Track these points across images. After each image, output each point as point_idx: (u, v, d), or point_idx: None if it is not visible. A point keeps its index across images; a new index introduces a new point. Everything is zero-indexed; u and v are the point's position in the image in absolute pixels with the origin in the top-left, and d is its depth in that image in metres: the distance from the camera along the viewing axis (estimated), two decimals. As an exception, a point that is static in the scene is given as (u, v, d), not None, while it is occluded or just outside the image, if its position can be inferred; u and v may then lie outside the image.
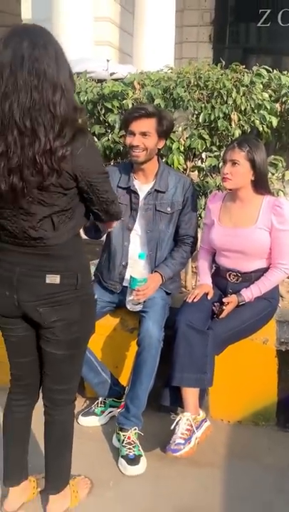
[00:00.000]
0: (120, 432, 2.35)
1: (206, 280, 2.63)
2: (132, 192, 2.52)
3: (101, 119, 3.02)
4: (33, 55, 1.48)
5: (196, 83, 2.77)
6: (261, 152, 2.37)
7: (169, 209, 2.52)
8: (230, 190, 2.47)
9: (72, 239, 1.72)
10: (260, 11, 11.44)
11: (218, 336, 2.37)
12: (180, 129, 2.82)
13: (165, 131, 2.45)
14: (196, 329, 2.31)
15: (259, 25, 11.64)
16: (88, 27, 7.74)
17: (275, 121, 2.86)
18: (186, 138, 2.87)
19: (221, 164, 2.78)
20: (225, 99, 2.73)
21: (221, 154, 2.84)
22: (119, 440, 2.36)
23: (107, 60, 3.20)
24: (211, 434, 2.42)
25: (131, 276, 2.39)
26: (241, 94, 2.76)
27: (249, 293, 2.48)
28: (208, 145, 2.88)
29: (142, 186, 2.55)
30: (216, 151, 2.92)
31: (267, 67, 2.95)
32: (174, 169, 2.75)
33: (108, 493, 2.16)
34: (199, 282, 2.68)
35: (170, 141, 2.87)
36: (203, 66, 2.89)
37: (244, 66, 3.05)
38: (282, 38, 11.52)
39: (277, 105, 3.06)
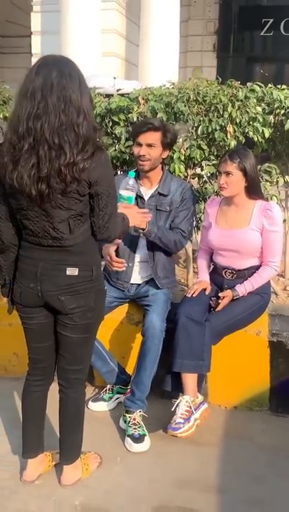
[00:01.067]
0: (126, 414, 2.60)
1: (204, 277, 2.89)
2: (138, 197, 2.73)
3: (108, 131, 3.29)
4: (61, 83, 1.79)
5: (195, 98, 3.04)
6: (250, 160, 2.63)
7: (168, 207, 2.76)
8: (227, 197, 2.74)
9: (86, 239, 2.00)
10: (263, 20, 11.73)
11: (215, 327, 2.63)
12: (180, 140, 3.09)
13: (169, 143, 2.71)
14: (194, 321, 2.57)
15: (262, 34, 11.92)
16: (95, 39, 8.04)
17: (267, 133, 3.12)
18: (186, 148, 3.13)
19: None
20: (221, 112, 3.00)
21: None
22: (125, 421, 2.61)
23: (114, 78, 3.48)
24: (209, 417, 2.68)
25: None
26: (236, 108, 3.02)
27: (243, 288, 2.73)
28: (206, 155, 3.14)
29: (147, 191, 2.80)
30: (213, 160, 3.18)
31: (259, 83, 3.20)
32: (176, 176, 3.02)
33: (116, 467, 2.42)
34: (198, 279, 2.93)
35: (172, 151, 3.13)
36: (202, 82, 3.15)
37: (246, 77, 3.32)
38: (285, 46, 11.80)
39: (271, 117, 3.32)
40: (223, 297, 2.73)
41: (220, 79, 3.27)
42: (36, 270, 1.99)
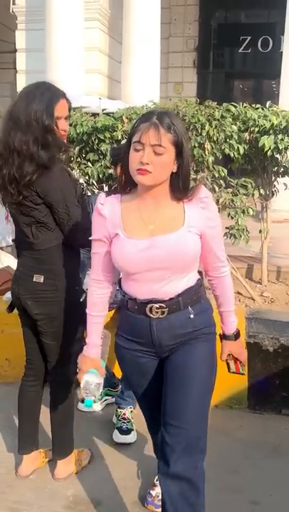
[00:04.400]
0: (118, 409, 2.80)
1: (92, 344, 1.94)
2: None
3: (95, 147, 3.51)
4: (14, 107, 2.11)
5: (175, 118, 3.27)
6: (183, 129, 1.74)
7: None
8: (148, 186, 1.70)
9: (56, 248, 2.18)
10: (241, 37, 12.16)
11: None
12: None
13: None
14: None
15: (240, 51, 12.35)
16: (79, 56, 8.28)
17: (242, 149, 3.36)
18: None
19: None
20: (199, 131, 3.24)
21: (198, 177, 3.33)
22: (117, 416, 2.81)
23: (100, 98, 3.70)
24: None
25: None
26: (213, 127, 3.26)
27: (232, 317, 1.95)
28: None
29: None
30: (193, 174, 3.40)
31: (234, 103, 3.45)
32: None
33: (106, 461, 2.59)
34: (85, 350, 1.95)
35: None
36: (182, 102, 3.39)
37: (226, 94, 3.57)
38: (262, 62, 12.23)
39: (246, 135, 3.57)
40: (235, 358, 2.00)
41: (198, 99, 3.51)
42: (17, 274, 2.26)
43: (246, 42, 12.17)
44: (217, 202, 3.34)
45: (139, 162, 1.64)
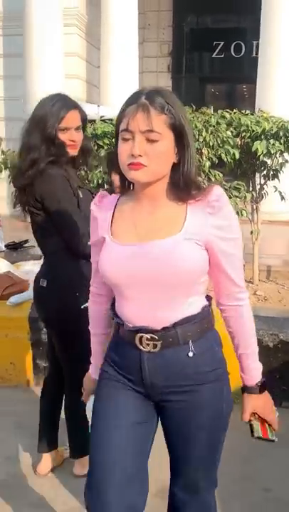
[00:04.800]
0: None
1: (94, 365, 1.69)
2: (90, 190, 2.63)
3: (94, 154, 3.59)
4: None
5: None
6: (182, 109, 1.37)
7: None
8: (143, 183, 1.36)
9: (60, 253, 2.23)
10: (215, 43, 12.40)
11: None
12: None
13: None
14: None
15: (214, 56, 12.59)
16: (59, 61, 8.35)
17: (237, 154, 3.51)
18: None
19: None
20: (197, 137, 3.36)
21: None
22: None
23: (98, 106, 3.79)
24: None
25: None
26: (209, 133, 3.40)
27: (255, 363, 1.54)
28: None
29: None
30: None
31: (229, 110, 3.60)
32: None
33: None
34: (90, 371, 1.71)
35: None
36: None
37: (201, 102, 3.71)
38: (235, 67, 12.51)
39: (238, 139, 3.72)
40: (262, 419, 1.56)
41: (194, 107, 3.64)
42: None
43: (219, 47, 12.41)
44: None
45: (129, 155, 1.29)
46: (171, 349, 1.40)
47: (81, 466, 2.51)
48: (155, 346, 1.40)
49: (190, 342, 1.40)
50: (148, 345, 1.41)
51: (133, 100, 1.31)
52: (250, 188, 4.05)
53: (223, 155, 3.43)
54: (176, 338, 1.40)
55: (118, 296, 1.47)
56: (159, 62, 12.73)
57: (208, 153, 3.41)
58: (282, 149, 3.64)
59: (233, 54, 12.40)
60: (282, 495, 2.41)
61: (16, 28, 8.61)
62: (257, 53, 9.05)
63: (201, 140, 3.35)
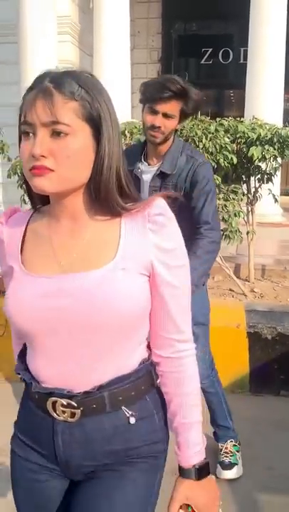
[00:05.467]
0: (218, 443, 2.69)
1: None
2: (136, 177, 2.33)
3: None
4: None
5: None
6: (104, 94, 1.07)
7: (173, 191, 2.19)
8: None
9: None
10: (203, 49, 12.67)
11: None
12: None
13: (190, 113, 2.29)
14: None
15: (202, 62, 12.86)
16: (52, 68, 8.51)
17: (235, 159, 3.73)
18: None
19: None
20: (197, 143, 3.57)
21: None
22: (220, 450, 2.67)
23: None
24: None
25: None
26: (209, 139, 3.61)
27: (197, 436, 1.14)
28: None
29: (150, 168, 2.33)
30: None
31: (226, 118, 3.82)
32: (192, 149, 2.43)
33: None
34: None
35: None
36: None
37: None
38: (223, 73, 12.81)
39: (234, 145, 3.94)
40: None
41: (193, 115, 3.85)
42: None
43: (208, 54, 12.69)
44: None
45: (29, 155, 0.97)
46: (94, 418, 1.05)
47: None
48: (73, 415, 1.05)
49: (123, 408, 1.07)
50: (64, 412, 1.05)
51: (35, 84, 1.02)
52: (246, 191, 4.27)
53: (221, 160, 3.64)
54: (102, 404, 1.05)
55: (29, 345, 1.12)
56: (148, 68, 12.96)
57: (208, 158, 3.62)
58: (276, 154, 3.87)
59: (221, 60, 12.68)
60: (285, 472, 2.63)
61: (10, 36, 8.77)
62: (245, 59, 9.31)
63: (201, 146, 3.56)
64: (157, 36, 12.87)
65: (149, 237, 1.03)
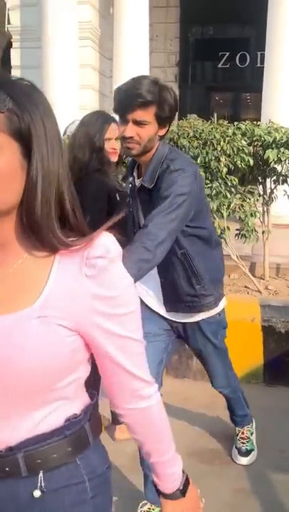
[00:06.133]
0: (236, 427, 2.83)
1: None
2: (131, 193, 2.22)
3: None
4: None
5: (193, 135, 3.80)
6: (42, 105, 0.91)
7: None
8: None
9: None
10: (220, 53, 12.85)
11: None
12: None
13: (168, 117, 2.00)
14: None
15: (220, 66, 13.04)
16: (74, 73, 8.79)
17: (251, 161, 3.91)
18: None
19: (214, 192, 3.78)
20: (215, 146, 3.77)
21: (214, 186, 3.85)
22: (236, 435, 2.81)
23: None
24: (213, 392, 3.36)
25: None
26: (226, 142, 3.80)
27: (173, 472, 1.08)
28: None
29: (139, 182, 2.11)
30: (208, 183, 3.94)
31: (243, 122, 4.01)
32: (175, 155, 2.04)
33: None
34: None
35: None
36: (198, 122, 3.92)
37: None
38: (240, 77, 12.97)
39: (251, 148, 4.12)
40: None
41: (212, 119, 4.05)
42: None
43: (225, 57, 12.86)
44: (228, 207, 3.85)
45: None
46: (7, 483, 0.91)
47: (120, 432, 2.89)
48: None
49: (40, 473, 0.91)
50: None
51: None
52: (262, 192, 4.45)
53: (238, 162, 3.82)
54: (17, 467, 0.89)
55: None
56: (166, 72, 13.16)
57: (226, 160, 3.81)
58: (292, 157, 4.04)
59: (238, 64, 12.84)
60: (296, 454, 2.81)
61: (33, 41, 9.06)
62: (262, 63, 9.47)
63: (219, 149, 3.75)
64: (175, 40, 13.07)
65: (85, 284, 0.86)
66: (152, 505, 2.29)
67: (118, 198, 2.61)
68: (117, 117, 2.68)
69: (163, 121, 1.99)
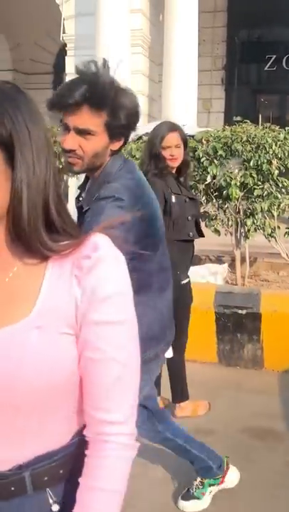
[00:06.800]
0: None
1: None
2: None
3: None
4: None
5: (247, 139, 4.08)
6: (26, 113, 0.83)
7: None
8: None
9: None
10: (267, 56, 13.02)
11: None
12: (236, 171, 4.11)
13: (126, 125, 1.65)
14: None
15: (266, 68, 13.20)
16: (127, 79, 9.14)
17: (302, 164, 4.16)
18: (241, 176, 4.16)
19: (265, 193, 4.04)
20: (267, 150, 4.03)
21: (265, 187, 4.12)
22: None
23: (183, 125, 4.51)
24: (267, 377, 3.61)
25: None
26: (278, 146, 4.06)
27: None
28: (255, 181, 4.17)
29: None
30: (260, 185, 4.20)
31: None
32: (122, 173, 1.68)
33: (211, 413, 3.35)
34: None
35: (229, 178, 4.15)
36: (250, 127, 4.20)
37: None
38: (287, 79, 13.08)
39: (300, 151, 4.36)
40: None
41: (263, 124, 4.32)
42: None
43: (271, 60, 13.01)
44: (278, 206, 4.10)
45: None
46: (12, 502, 0.88)
47: (180, 409, 3.20)
48: None
49: (47, 491, 0.89)
50: None
51: None
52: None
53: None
54: (22, 486, 0.87)
55: None
56: (213, 75, 13.42)
57: (277, 163, 4.06)
58: None
59: (285, 67, 12.96)
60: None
61: (85, 49, 9.48)
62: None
63: (271, 152, 4.01)
64: (222, 44, 13.32)
65: (74, 285, 0.82)
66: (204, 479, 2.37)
67: (174, 201, 2.90)
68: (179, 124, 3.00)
69: (116, 132, 1.62)
